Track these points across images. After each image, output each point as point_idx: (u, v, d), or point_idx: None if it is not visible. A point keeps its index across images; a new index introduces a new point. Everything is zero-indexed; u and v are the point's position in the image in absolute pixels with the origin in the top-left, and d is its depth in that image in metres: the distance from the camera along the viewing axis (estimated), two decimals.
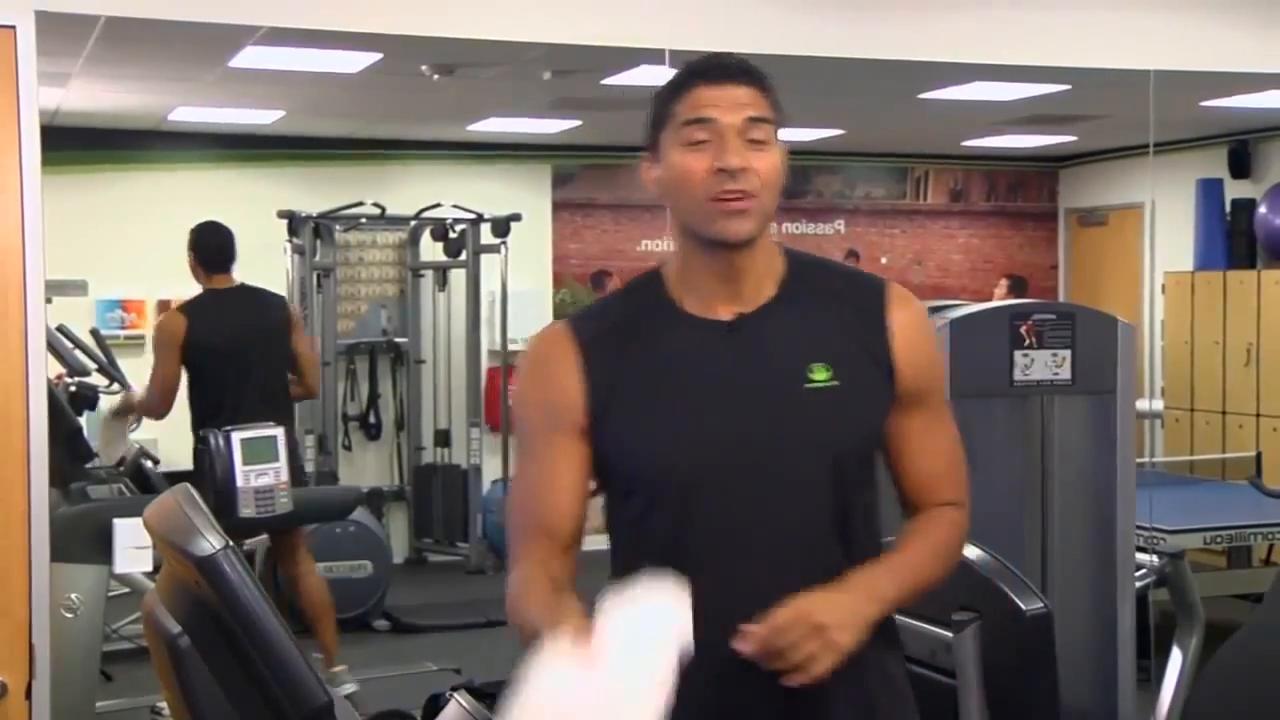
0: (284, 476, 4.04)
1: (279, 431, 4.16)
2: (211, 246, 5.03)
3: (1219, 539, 5.32)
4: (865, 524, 1.78)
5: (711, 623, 1.60)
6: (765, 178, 1.69)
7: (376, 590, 6.29)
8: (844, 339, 1.75)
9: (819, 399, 1.72)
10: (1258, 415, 7.52)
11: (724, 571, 1.70)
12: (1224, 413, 7.72)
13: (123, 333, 7.33)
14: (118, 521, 3.57)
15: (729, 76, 1.69)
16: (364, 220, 7.45)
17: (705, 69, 1.70)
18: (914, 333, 1.77)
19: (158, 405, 4.87)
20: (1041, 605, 2.62)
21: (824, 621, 1.60)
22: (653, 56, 5.16)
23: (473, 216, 7.65)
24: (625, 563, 1.79)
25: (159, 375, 4.83)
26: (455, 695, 1.81)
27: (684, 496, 1.73)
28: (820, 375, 1.71)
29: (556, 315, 8.44)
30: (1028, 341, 3.52)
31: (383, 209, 7.39)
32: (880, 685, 1.78)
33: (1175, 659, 4.25)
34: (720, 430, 1.71)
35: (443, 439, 7.97)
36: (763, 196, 1.69)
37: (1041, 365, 3.53)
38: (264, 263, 7.37)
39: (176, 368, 4.80)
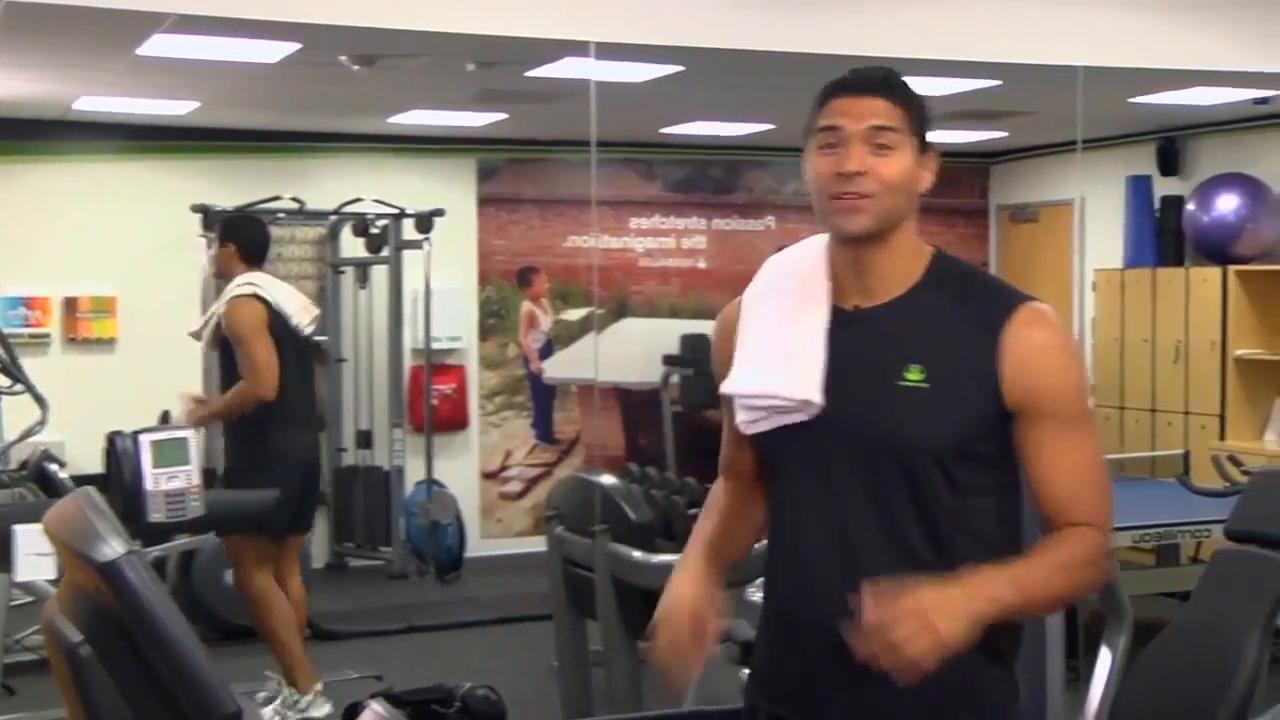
0: (196, 480, 3.98)
1: (190, 434, 4.10)
2: (255, 240, 5.01)
3: (1148, 538, 5.42)
4: (962, 526, 1.88)
5: (791, 594, 1.91)
6: (887, 181, 1.89)
7: None
8: (950, 346, 1.89)
9: (906, 398, 1.87)
10: (1186, 413, 7.67)
11: (807, 545, 1.92)
12: (1153, 410, 7.87)
13: (26, 331, 7.19)
14: (17, 528, 3.50)
15: (865, 89, 1.91)
16: (282, 215, 7.37)
17: (846, 81, 1.93)
18: (1030, 352, 1.87)
19: (270, 387, 4.69)
20: None
21: (927, 606, 1.70)
22: (577, 48, 5.17)
23: (395, 212, 7.60)
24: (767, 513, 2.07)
25: (263, 359, 4.67)
26: (370, 703, 1.80)
27: (781, 469, 2.00)
28: (914, 375, 1.87)
29: (482, 313, 8.42)
30: None
31: (301, 204, 7.32)
32: (956, 694, 1.86)
33: (1104, 658, 4.32)
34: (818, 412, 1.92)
35: (364, 440, 7.91)
36: (882, 198, 1.89)
37: None
38: (177, 258, 7.28)
39: (273, 351, 4.71)
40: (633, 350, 8.65)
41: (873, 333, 1.93)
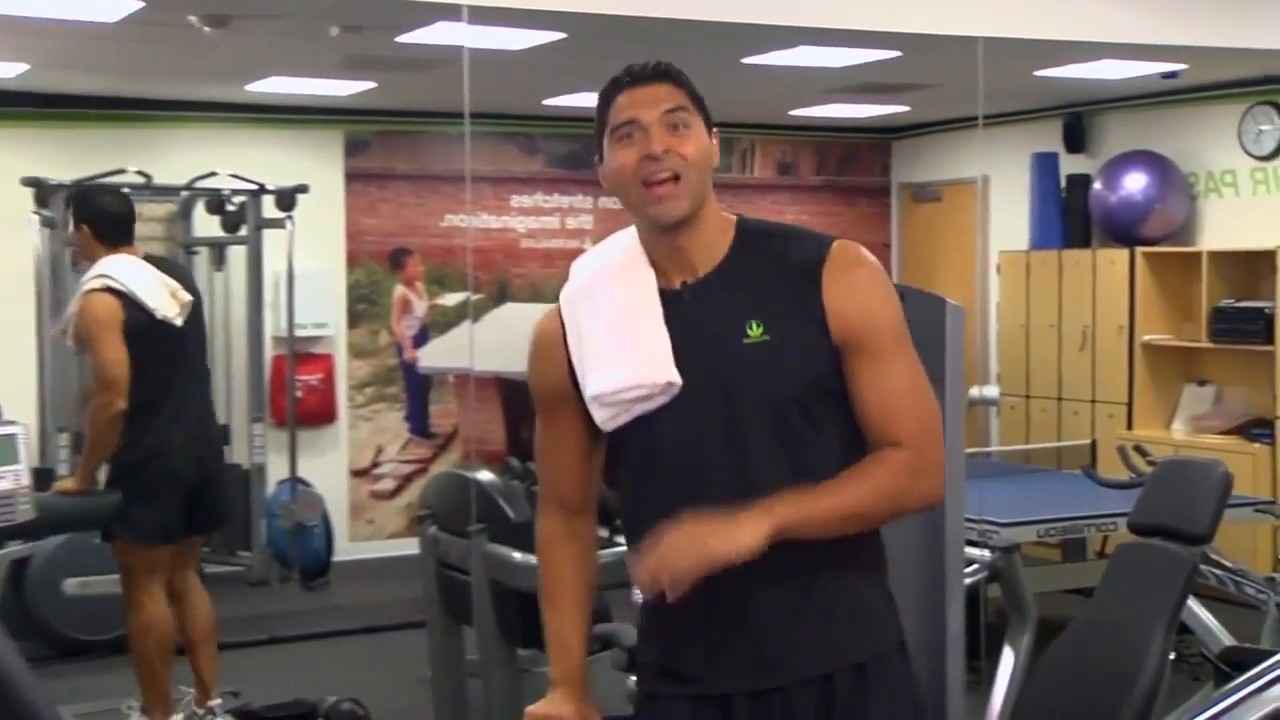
0: (25, 480, 3.87)
1: (19, 429, 3.99)
2: (112, 217, 4.68)
3: (1053, 532, 5.55)
4: (833, 460, 2.11)
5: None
6: (690, 158, 2.09)
7: None
8: (780, 297, 2.11)
9: (754, 353, 2.09)
10: (1093, 401, 7.85)
11: (686, 516, 2.04)
12: (1059, 399, 8.05)
13: None
14: None
15: (646, 79, 2.12)
16: (127, 190, 7.19)
17: (627, 77, 2.13)
18: (847, 284, 2.10)
19: (121, 394, 4.51)
20: None
21: (697, 529, 1.99)
22: (450, 12, 5.13)
23: (253, 187, 7.49)
24: (621, 513, 2.24)
25: (109, 361, 4.44)
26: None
27: (646, 451, 2.15)
28: (755, 331, 2.09)
29: (350, 298, 8.33)
30: None
31: (149, 178, 7.17)
32: (840, 604, 2.15)
33: (1007, 658, 4.42)
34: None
35: (222, 436, 7.77)
36: (689, 176, 2.09)
37: None
38: (6, 236, 7.08)
39: (123, 351, 4.47)
40: (514, 337, 8.53)
41: (706, 304, 2.13)
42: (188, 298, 4.69)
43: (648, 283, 2.17)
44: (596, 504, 2.30)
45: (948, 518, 3.73)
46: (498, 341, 8.49)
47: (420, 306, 8.54)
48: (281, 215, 7.43)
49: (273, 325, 7.86)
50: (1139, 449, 5.22)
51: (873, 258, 2.16)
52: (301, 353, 7.95)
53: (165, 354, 4.61)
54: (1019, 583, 4.51)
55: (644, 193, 2.10)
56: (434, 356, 8.55)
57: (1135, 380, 7.68)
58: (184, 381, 4.70)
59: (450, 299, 8.58)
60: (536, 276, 8.77)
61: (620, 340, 2.14)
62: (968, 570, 4.16)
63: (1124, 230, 7.76)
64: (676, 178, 2.09)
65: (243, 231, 7.55)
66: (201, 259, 7.83)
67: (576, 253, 8.90)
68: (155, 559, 4.64)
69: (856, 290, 2.11)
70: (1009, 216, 8.56)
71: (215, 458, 4.95)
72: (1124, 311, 7.68)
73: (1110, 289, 7.76)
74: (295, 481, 7.67)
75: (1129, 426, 7.63)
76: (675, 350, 2.11)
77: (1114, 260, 7.75)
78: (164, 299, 4.62)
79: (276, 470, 7.72)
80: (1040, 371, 8.17)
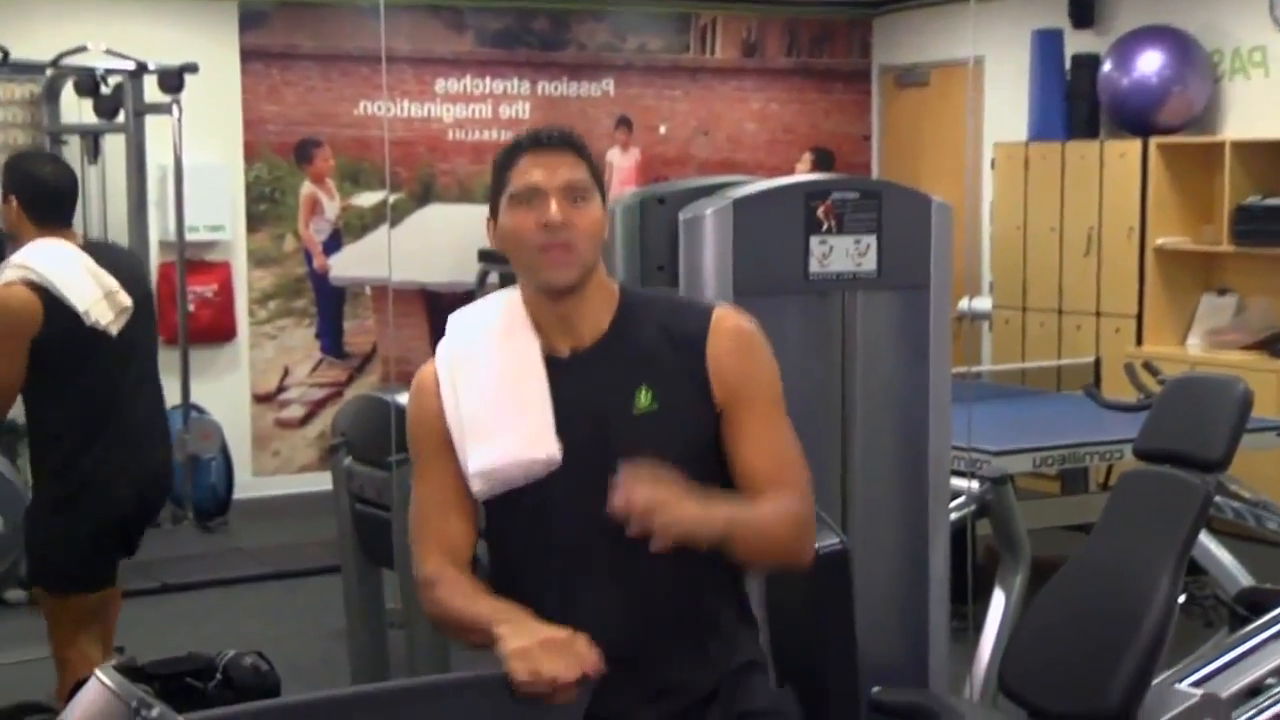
0: None
1: None
2: (45, 192, 4.27)
3: (1050, 460, 5.61)
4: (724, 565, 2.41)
5: (588, 622, 2.24)
6: (584, 230, 2.39)
7: (9, 552, 6.07)
8: (666, 366, 2.42)
9: (644, 423, 2.40)
10: (1098, 314, 7.92)
11: (576, 586, 2.39)
12: (1060, 311, 8.11)
13: None
14: None
15: (550, 145, 2.41)
16: None
17: (530, 141, 2.43)
18: (728, 349, 2.44)
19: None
20: (837, 541, 2.74)
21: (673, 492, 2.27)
22: None
23: (132, 66, 7.38)
24: (496, 577, 2.50)
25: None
26: (98, 672, 1.79)
27: (527, 523, 2.43)
28: (644, 400, 2.40)
29: (250, 197, 8.26)
30: (826, 226, 3.60)
31: (5, 52, 7.06)
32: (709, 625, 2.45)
33: (997, 602, 4.49)
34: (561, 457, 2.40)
35: (171, 470, 7.71)
36: (582, 245, 2.39)
37: (842, 254, 3.61)
38: None
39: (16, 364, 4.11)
40: (440, 244, 8.58)
41: (593, 372, 2.43)
42: (127, 302, 4.24)
43: (531, 349, 2.45)
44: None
45: (931, 445, 3.78)
46: (420, 248, 8.45)
47: (331, 208, 8.48)
48: (166, 99, 7.33)
49: (159, 228, 7.78)
50: (1149, 367, 5.28)
51: (752, 324, 2.49)
52: (193, 260, 7.89)
53: (98, 369, 4.22)
54: (1011, 518, 4.57)
55: (537, 257, 2.38)
56: (348, 265, 8.50)
57: (1146, 290, 7.74)
58: (123, 403, 4.31)
59: (366, 199, 8.52)
60: (465, 174, 8.72)
61: (500, 412, 2.42)
62: (953, 504, 4.22)
63: (1136, 118, 7.79)
64: (570, 247, 2.37)
65: (120, 118, 7.45)
66: (72, 150, 7.71)
67: None
68: (84, 608, 4.46)
69: (739, 354, 2.44)
70: (1005, 103, 8.56)
71: (161, 494, 4.68)
72: (1135, 211, 7.72)
73: (1120, 185, 7.80)
74: (188, 408, 7.64)
75: (1138, 342, 7.71)
76: (562, 418, 2.40)
77: (1124, 153, 7.78)
78: (96, 300, 4.19)
79: (166, 395, 7.67)
80: (1039, 280, 8.22)
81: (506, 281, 9.26)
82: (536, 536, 2.43)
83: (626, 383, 2.41)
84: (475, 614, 2.35)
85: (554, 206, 2.37)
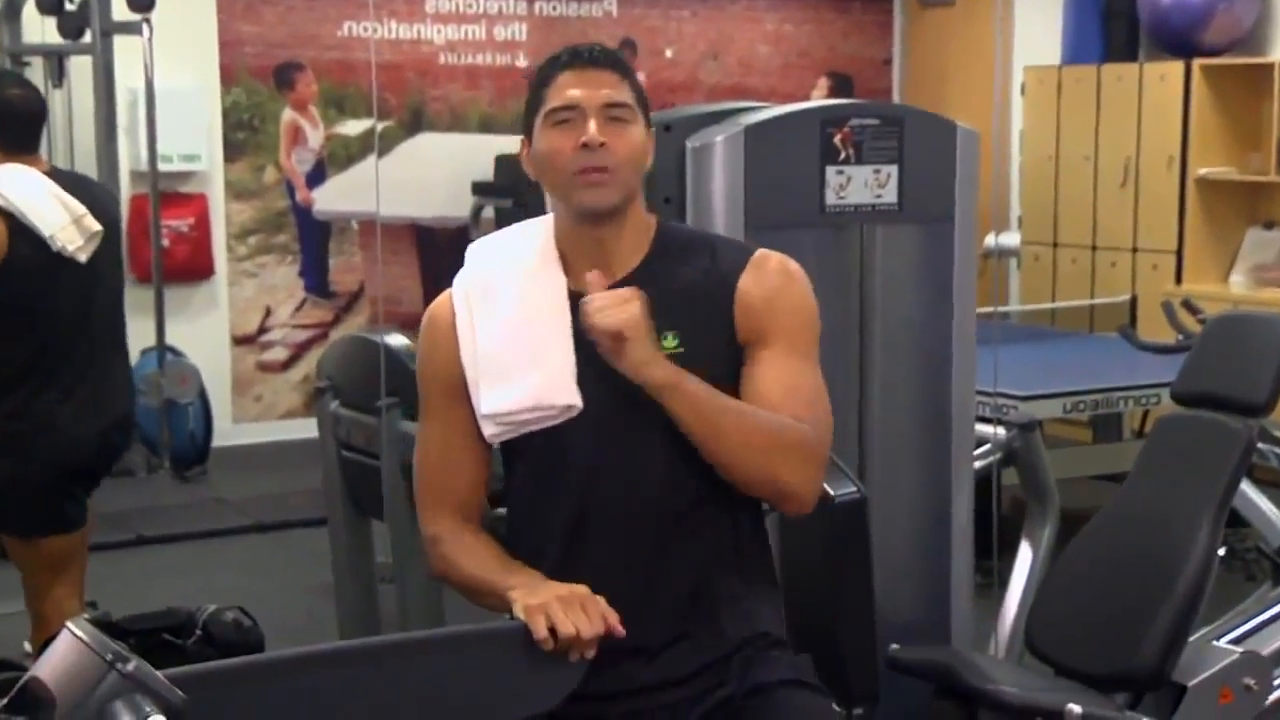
0: None
1: None
2: (12, 115, 4.24)
3: (1082, 405, 5.63)
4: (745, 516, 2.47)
5: (591, 582, 2.26)
6: (625, 154, 2.39)
7: None
8: (696, 307, 2.43)
9: None
10: (1134, 250, 7.92)
11: (581, 538, 2.40)
12: (1094, 248, 8.11)
13: None
14: None
15: (592, 63, 2.41)
16: None
17: (572, 56, 2.42)
18: (758, 286, 2.44)
19: None
20: (854, 489, 2.76)
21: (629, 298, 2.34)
22: None
23: None
24: (510, 525, 2.52)
25: None
26: (69, 624, 1.81)
27: (543, 466, 2.44)
28: (669, 344, 2.39)
29: (227, 125, 8.24)
30: (843, 154, 3.60)
31: None
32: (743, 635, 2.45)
33: (1024, 557, 4.50)
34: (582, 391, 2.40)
35: (133, 414, 7.72)
36: (623, 171, 2.39)
37: (860, 185, 3.61)
38: None
39: None
40: (431, 175, 8.58)
41: None
42: (96, 227, 4.25)
43: (557, 285, 2.46)
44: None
45: (954, 389, 3.79)
46: (411, 180, 8.45)
47: (315, 136, 8.47)
48: (136, 18, 7.31)
49: (129, 157, 7.78)
50: (1188, 305, 5.28)
51: (796, 266, 2.50)
52: (167, 192, 7.89)
53: (65, 300, 4.23)
54: (1040, 467, 4.58)
55: (573, 179, 2.38)
56: (333, 198, 8.50)
57: (1187, 224, 7.74)
58: (89, 339, 4.33)
59: (352, 127, 8.51)
60: (457, 100, 8.70)
61: (519, 352, 2.42)
62: (978, 452, 4.23)
63: (1178, 38, 7.76)
64: (608, 169, 2.38)
65: (87, 38, 7.44)
66: (35, 71, 7.69)
67: (508, 71, 8.89)
68: (55, 554, 4.47)
69: (768, 291, 2.44)
70: (1037, 23, 8.53)
71: (125, 436, 4.66)
72: (1176, 140, 7.71)
73: (1160, 112, 7.78)
74: (164, 350, 7.66)
75: (1178, 280, 7.71)
76: (583, 360, 2.40)
77: (1165, 75, 7.76)
78: (64, 225, 4.19)
79: (140, 337, 7.68)
80: (1071, 214, 8.22)
81: (502, 216, 9.30)
82: (546, 483, 2.45)
83: (653, 323, 2.38)
84: (486, 576, 2.37)
85: (593, 126, 2.37)
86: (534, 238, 2.51)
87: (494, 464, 2.54)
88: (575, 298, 2.41)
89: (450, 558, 2.45)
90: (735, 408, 2.37)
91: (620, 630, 2.20)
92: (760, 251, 2.49)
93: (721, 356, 2.43)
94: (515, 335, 2.43)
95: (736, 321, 2.43)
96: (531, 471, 2.47)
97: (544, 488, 2.45)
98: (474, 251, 2.56)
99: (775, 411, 2.39)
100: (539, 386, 2.40)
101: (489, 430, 2.45)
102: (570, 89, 2.39)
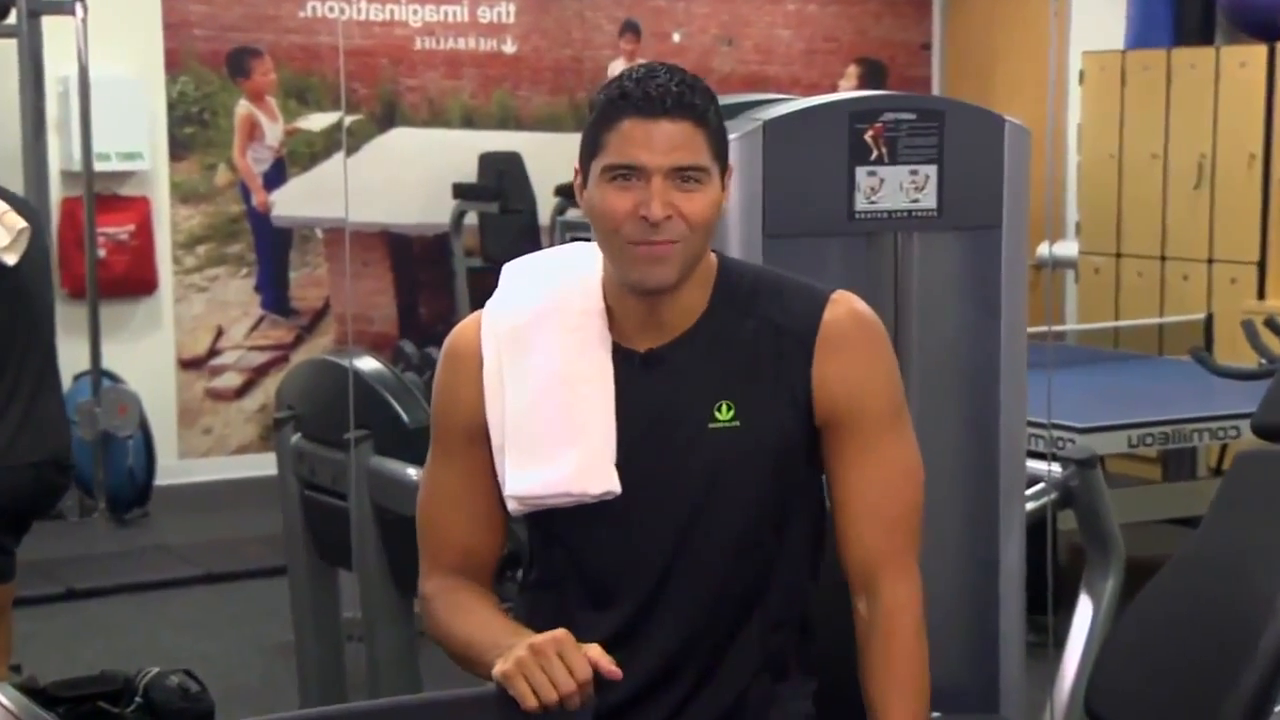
0: None
1: None
2: None
3: (1149, 439, 5.62)
4: (793, 588, 2.50)
5: (617, 651, 2.27)
6: (694, 222, 2.33)
7: None
8: (760, 372, 2.42)
9: (719, 441, 2.40)
10: (1210, 261, 7.92)
11: (623, 618, 2.42)
12: (1163, 258, 8.11)
13: None
14: None
15: (665, 113, 2.32)
16: None
17: (638, 99, 2.32)
18: (840, 355, 2.42)
19: None
20: None
21: None
22: None
23: None
24: (532, 595, 2.54)
25: None
26: None
27: (568, 538, 2.46)
28: (723, 416, 2.40)
29: (173, 118, 8.26)
30: (875, 153, 3.61)
31: None
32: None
33: (1083, 612, 4.50)
34: (622, 470, 2.41)
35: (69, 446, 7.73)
36: (689, 242, 2.34)
37: (895, 188, 3.62)
38: None
39: None
40: (407, 176, 8.60)
41: (671, 376, 2.43)
42: (22, 223, 4.31)
43: (601, 341, 2.43)
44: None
45: (1003, 420, 3.79)
46: (384, 181, 8.46)
47: (273, 132, 8.50)
48: None
49: (60, 155, 7.82)
50: (1272, 324, 5.28)
51: (873, 316, 2.49)
52: (104, 195, 7.91)
53: None
54: (1101, 509, 4.58)
55: (627, 250, 2.34)
56: (294, 202, 8.53)
57: (1270, 231, 7.74)
58: (17, 363, 4.38)
59: (316, 121, 8.55)
60: (436, 90, 8.73)
61: (554, 423, 2.41)
62: (1030, 492, 4.23)
63: (1261, 19, 7.78)
64: (670, 244, 2.33)
65: (11, 19, 7.46)
66: None
67: (494, 58, 8.91)
68: None
69: (852, 363, 2.44)
70: (1097, 2, 8.55)
71: (64, 475, 4.61)
72: (1258, 135, 7.72)
73: (1239, 103, 7.79)
74: (99, 376, 7.66)
75: (1260, 295, 7.71)
76: (623, 431, 2.41)
77: (1246, 61, 7.77)
78: None
79: (73, 361, 7.71)
80: (1137, 220, 8.22)
81: (490, 226, 9.29)
82: (571, 556, 2.48)
83: (707, 391, 2.41)
84: (476, 640, 2.37)
85: (656, 197, 2.31)
86: (579, 277, 2.47)
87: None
88: (619, 355, 2.42)
89: (441, 619, 2.45)
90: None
91: (615, 671, 2.21)
92: (832, 300, 2.47)
93: (787, 432, 2.43)
94: (550, 400, 2.42)
95: (815, 400, 2.43)
96: (554, 539, 2.49)
97: (569, 558, 2.47)
98: (510, 276, 2.53)
99: (874, 543, 2.45)
100: (575, 471, 2.40)
101: (512, 506, 2.46)
102: (633, 146, 2.33)
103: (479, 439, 2.46)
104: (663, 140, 2.32)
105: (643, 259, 2.33)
